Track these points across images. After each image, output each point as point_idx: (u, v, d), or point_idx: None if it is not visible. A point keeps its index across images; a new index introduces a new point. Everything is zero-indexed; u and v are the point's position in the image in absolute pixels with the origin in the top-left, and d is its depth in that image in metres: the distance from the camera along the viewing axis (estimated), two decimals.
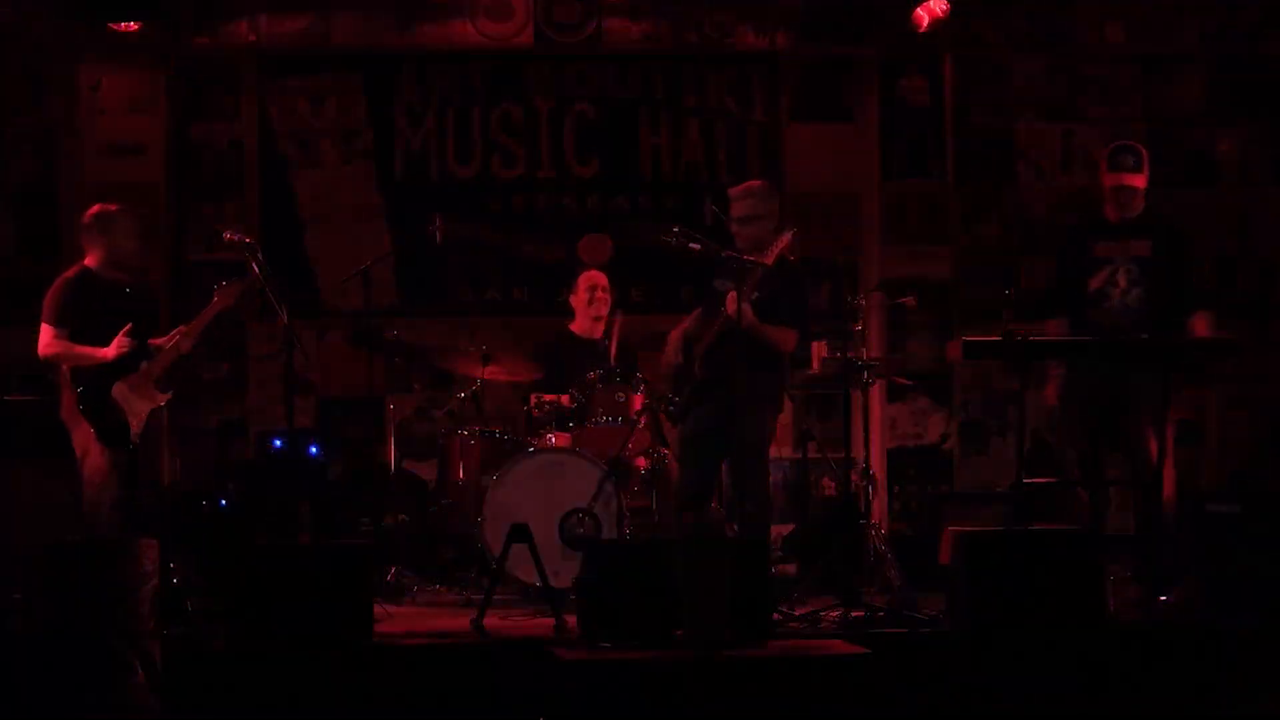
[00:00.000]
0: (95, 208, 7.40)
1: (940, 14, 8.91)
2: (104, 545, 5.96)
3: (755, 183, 7.32)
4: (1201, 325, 7.13)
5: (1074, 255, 7.46)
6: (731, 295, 6.80)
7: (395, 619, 6.80)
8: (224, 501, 8.09)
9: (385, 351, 8.43)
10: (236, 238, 7.41)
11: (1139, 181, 7.31)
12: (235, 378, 9.19)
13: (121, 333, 7.10)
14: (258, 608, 6.07)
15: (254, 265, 7.27)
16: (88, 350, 7.11)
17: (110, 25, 8.73)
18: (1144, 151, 7.36)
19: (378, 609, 6.44)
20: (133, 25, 8.75)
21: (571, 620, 6.32)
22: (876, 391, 8.92)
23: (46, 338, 7.16)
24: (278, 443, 8.55)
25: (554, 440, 7.81)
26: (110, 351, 7.08)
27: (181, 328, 7.49)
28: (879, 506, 8.67)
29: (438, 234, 8.27)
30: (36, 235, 9.01)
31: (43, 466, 7.55)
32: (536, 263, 9.42)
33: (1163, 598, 6.85)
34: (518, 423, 8.78)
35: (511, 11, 9.30)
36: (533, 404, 8.06)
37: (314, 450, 8.65)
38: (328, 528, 8.18)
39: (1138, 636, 6.37)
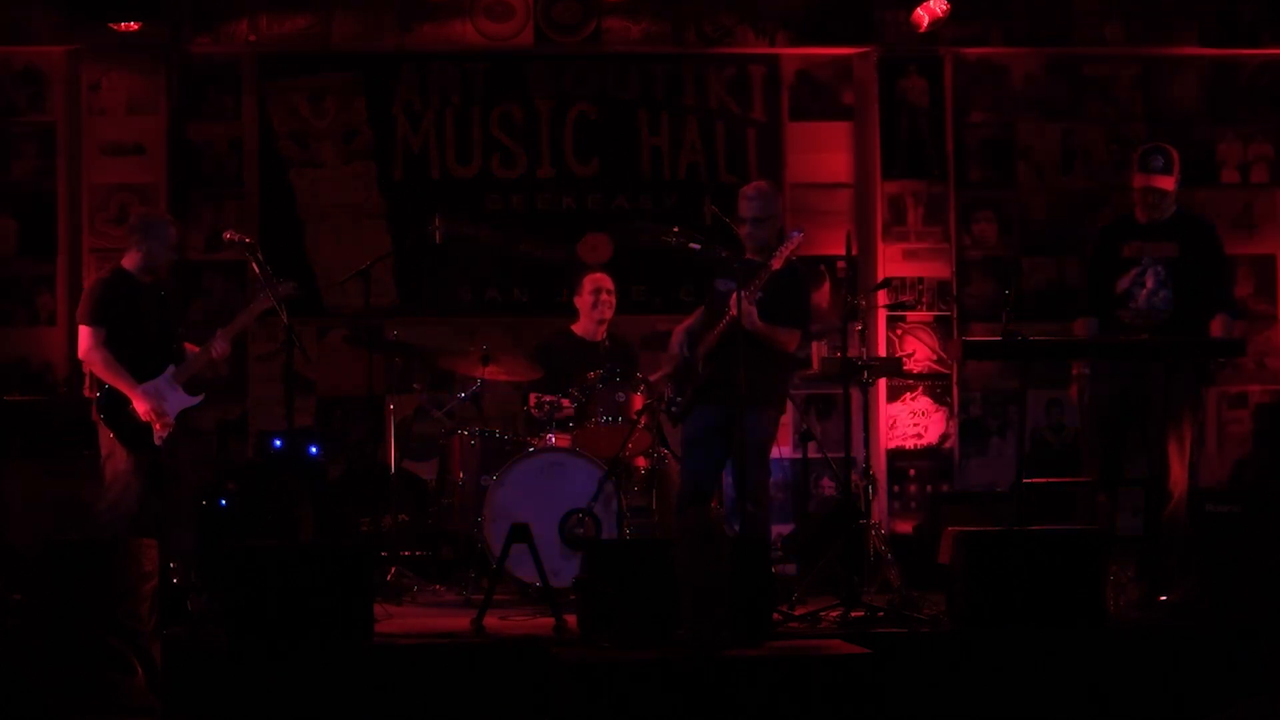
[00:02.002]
0: (141, 211, 7.38)
1: (940, 14, 8.90)
2: (104, 545, 5.95)
3: (763, 183, 7.35)
4: (1217, 326, 7.12)
5: (1103, 256, 7.45)
6: (735, 296, 6.80)
7: (395, 619, 6.80)
8: (224, 501, 8.08)
9: (385, 351, 8.43)
10: (236, 238, 7.40)
11: (1168, 183, 7.29)
12: (235, 378, 9.17)
13: (161, 424, 7.11)
14: (258, 608, 6.07)
15: (254, 265, 7.26)
16: (125, 382, 7.10)
17: (110, 25, 8.72)
18: (1174, 153, 7.34)
19: (378, 609, 6.44)
20: (133, 25, 8.74)
21: (571, 620, 6.33)
22: (876, 391, 8.92)
23: (88, 340, 7.16)
24: (278, 443, 8.54)
25: (554, 440, 7.81)
26: (142, 408, 7.08)
27: (219, 331, 7.43)
28: (879, 506, 8.66)
29: (438, 234, 8.24)
30: (36, 235, 9.00)
31: (43, 466, 7.56)
32: (536, 263, 9.40)
33: (1163, 598, 6.85)
34: (518, 423, 8.79)
35: (511, 11, 9.29)
36: (532, 404, 8.06)
37: (314, 450, 8.64)
38: (328, 528, 8.18)
39: (1138, 636, 6.37)
